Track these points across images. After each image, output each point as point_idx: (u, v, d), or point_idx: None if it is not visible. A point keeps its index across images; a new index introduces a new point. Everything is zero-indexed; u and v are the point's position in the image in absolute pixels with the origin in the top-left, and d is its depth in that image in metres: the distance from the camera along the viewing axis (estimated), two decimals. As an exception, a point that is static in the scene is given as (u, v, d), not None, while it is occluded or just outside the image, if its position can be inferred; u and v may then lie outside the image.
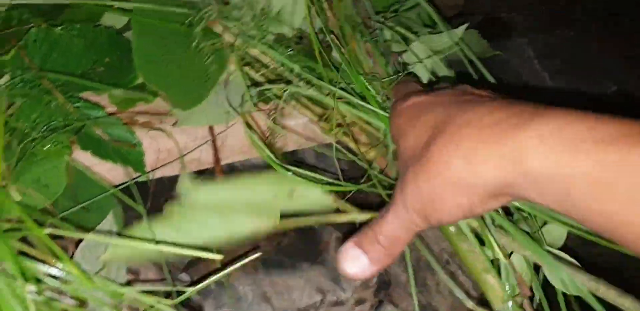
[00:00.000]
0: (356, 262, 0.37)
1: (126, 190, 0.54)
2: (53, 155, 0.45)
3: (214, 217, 0.43)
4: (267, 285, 0.57)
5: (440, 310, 0.67)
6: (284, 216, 0.45)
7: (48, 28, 0.53)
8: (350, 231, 0.69)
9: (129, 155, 0.51)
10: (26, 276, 0.36)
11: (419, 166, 0.35)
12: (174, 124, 0.56)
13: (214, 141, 0.59)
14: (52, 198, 0.44)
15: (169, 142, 0.58)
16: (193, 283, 0.53)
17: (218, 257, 0.37)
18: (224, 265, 0.45)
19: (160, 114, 0.61)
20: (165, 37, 0.55)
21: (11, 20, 0.52)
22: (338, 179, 0.50)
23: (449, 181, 0.33)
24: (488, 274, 0.43)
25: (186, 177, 0.45)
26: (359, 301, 0.62)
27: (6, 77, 0.47)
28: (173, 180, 0.61)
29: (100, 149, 0.49)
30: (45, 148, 0.44)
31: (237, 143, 0.63)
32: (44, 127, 0.45)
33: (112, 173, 0.54)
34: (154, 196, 0.56)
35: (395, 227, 0.36)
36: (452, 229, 0.45)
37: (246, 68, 0.60)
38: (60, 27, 0.54)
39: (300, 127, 0.66)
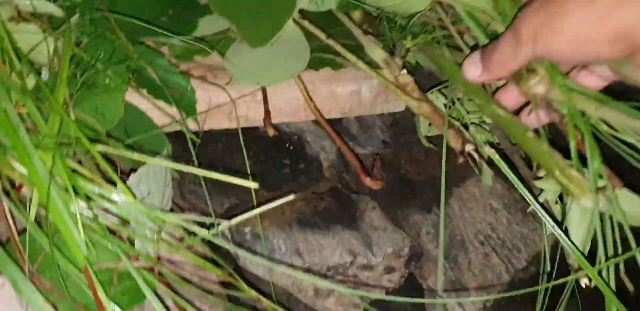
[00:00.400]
0: (473, 67, 0.46)
1: (175, 139, 0.56)
2: (112, 88, 0.47)
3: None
4: (301, 241, 0.58)
5: (468, 287, 0.66)
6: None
7: (119, -25, 0.56)
8: (386, 201, 0.70)
9: (182, 99, 0.53)
10: (78, 192, 0.39)
11: None
12: (228, 83, 0.58)
13: (265, 99, 0.61)
14: (107, 127, 0.47)
15: (220, 96, 0.60)
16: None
17: (254, 185, 0.38)
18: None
19: (215, 69, 0.63)
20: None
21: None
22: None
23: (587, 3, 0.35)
24: (571, 170, 0.43)
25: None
26: (389, 269, 0.62)
27: (76, 16, 0.50)
28: (219, 133, 0.63)
29: (156, 90, 0.51)
30: (105, 81, 0.46)
31: (284, 104, 0.64)
32: (107, 63, 0.48)
33: (162, 120, 0.57)
34: (201, 146, 0.57)
35: (506, 44, 0.41)
36: (529, 135, 0.46)
37: (306, 22, 0.62)
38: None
39: (347, 95, 0.66)
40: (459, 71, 0.54)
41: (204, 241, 0.44)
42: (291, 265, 0.56)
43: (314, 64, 0.65)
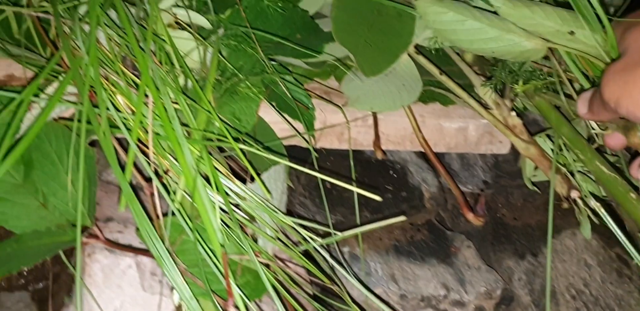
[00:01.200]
0: (582, 103, 0.49)
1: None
2: (249, 97, 0.50)
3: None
4: (396, 268, 0.58)
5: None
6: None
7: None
8: (480, 242, 0.69)
9: (303, 115, 0.55)
10: (218, 188, 0.40)
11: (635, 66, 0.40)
12: (344, 104, 0.60)
13: (375, 124, 0.62)
14: (242, 130, 0.49)
15: (334, 117, 0.62)
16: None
17: (378, 198, 0.39)
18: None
19: (330, 92, 0.65)
20: (361, 9, 0.60)
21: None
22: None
23: None
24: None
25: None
26: (479, 309, 0.60)
27: (222, 30, 0.54)
28: (328, 153, 0.65)
29: (283, 103, 0.54)
30: (244, 90, 0.49)
31: (392, 132, 0.65)
32: (247, 73, 0.51)
33: (281, 133, 0.59)
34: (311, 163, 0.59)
35: (597, 102, 0.45)
36: (632, 196, 0.47)
37: (420, 57, 0.64)
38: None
39: (454, 131, 0.67)
40: (565, 123, 0.55)
41: (312, 250, 0.45)
42: (387, 290, 0.55)
43: (424, 98, 0.67)
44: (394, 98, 0.62)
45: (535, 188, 0.65)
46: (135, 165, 0.44)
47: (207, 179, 0.40)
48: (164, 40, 0.47)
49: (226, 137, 0.42)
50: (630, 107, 0.40)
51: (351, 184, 0.59)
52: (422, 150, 0.66)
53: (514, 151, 0.70)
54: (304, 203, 0.58)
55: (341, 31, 0.61)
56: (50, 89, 0.45)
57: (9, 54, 0.53)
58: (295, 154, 0.56)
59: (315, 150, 0.64)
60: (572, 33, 0.51)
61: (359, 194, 0.44)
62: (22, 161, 0.47)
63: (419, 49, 0.66)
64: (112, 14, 0.51)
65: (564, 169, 0.56)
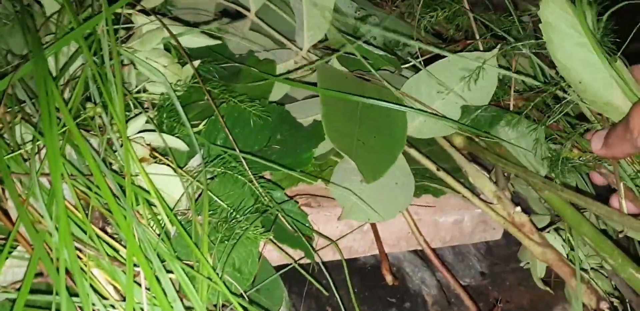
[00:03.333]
0: (597, 139, 0.50)
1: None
2: (249, 240, 0.43)
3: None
4: None
5: None
6: None
7: (235, 104, 0.53)
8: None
9: (302, 242, 0.48)
10: None
11: None
12: (339, 218, 0.54)
13: (375, 233, 0.57)
14: (244, 285, 0.42)
15: (327, 227, 0.56)
16: None
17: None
18: None
19: (317, 196, 0.59)
20: (348, 108, 0.55)
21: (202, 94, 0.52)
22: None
23: None
24: None
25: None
26: None
27: (198, 157, 0.46)
28: (328, 265, 0.59)
29: (281, 235, 0.47)
30: (243, 233, 0.42)
31: (388, 235, 0.60)
32: (243, 209, 0.44)
33: (271, 253, 0.52)
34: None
35: (620, 133, 0.46)
36: None
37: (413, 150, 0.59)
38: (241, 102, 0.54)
39: (450, 225, 0.63)
40: (584, 222, 0.52)
41: None
42: None
43: (416, 191, 0.62)
44: (390, 203, 0.57)
45: (548, 288, 0.61)
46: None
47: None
48: (145, 190, 0.39)
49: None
50: None
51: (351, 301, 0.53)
52: (418, 248, 0.61)
53: (505, 233, 0.67)
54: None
55: (333, 131, 0.55)
56: (9, 275, 0.36)
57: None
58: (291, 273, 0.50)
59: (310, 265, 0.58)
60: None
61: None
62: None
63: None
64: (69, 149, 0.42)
65: (587, 277, 0.53)
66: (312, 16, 0.66)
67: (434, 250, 0.59)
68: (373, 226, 0.57)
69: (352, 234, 0.58)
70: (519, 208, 0.57)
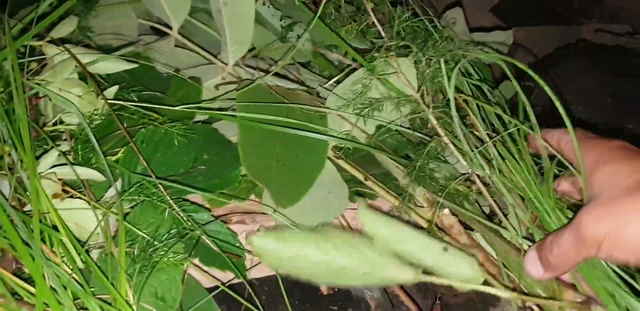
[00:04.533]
0: (534, 264, 0.43)
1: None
2: (170, 266, 0.43)
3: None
4: None
5: None
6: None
7: (155, 128, 0.53)
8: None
9: (233, 263, 0.49)
10: None
11: (620, 204, 0.38)
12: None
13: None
14: (168, 312, 0.42)
15: (262, 243, 0.56)
16: None
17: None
18: None
19: (252, 211, 0.59)
20: (265, 133, 0.55)
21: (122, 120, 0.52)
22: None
23: None
24: None
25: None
26: None
27: (119, 183, 0.47)
28: (261, 281, 0.59)
29: (208, 257, 0.48)
30: (159, 260, 0.42)
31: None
32: (161, 235, 0.44)
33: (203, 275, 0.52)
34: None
35: (566, 246, 0.40)
36: None
37: (341, 162, 0.60)
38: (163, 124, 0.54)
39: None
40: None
41: None
42: None
43: (351, 195, 0.63)
44: (325, 211, 0.58)
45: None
46: None
47: None
48: (56, 229, 0.39)
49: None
50: (614, 252, 0.38)
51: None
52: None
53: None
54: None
55: (249, 157, 0.55)
56: None
57: None
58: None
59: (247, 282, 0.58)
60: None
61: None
62: None
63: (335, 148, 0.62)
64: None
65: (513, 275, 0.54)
66: (234, 31, 0.67)
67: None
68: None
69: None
70: (447, 210, 0.58)
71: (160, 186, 0.46)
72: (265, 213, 0.58)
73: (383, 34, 0.61)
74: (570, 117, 0.47)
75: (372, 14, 0.64)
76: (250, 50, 0.73)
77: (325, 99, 0.64)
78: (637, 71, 1.11)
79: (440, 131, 0.54)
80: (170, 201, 0.46)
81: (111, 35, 0.73)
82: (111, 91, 0.55)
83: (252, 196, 0.60)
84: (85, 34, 0.67)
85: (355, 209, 0.62)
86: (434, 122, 0.54)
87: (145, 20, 0.74)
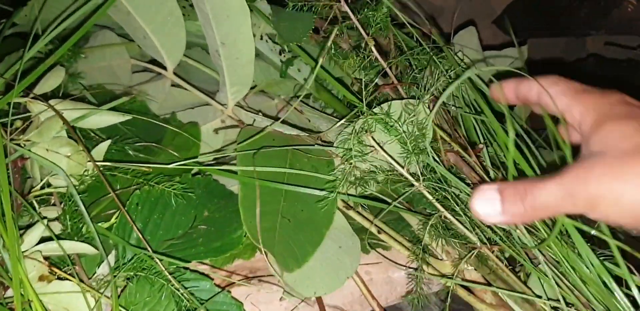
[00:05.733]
0: (489, 205, 0.37)
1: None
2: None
3: None
4: None
5: None
6: None
7: (150, 189, 0.49)
8: None
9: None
10: None
11: (625, 164, 0.34)
12: (280, 299, 0.50)
13: (320, 305, 0.53)
14: None
15: (271, 307, 0.52)
16: None
17: None
18: None
19: (258, 270, 0.55)
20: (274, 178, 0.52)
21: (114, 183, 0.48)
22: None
23: None
24: None
25: None
26: None
27: (112, 255, 0.43)
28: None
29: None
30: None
31: (340, 302, 0.57)
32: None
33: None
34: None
35: (550, 197, 0.35)
36: None
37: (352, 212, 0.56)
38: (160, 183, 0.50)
39: (404, 279, 0.60)
40: None
41: None
42: None
43: (364, 248, 0.58)
44: (336, 270, 0.54)
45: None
46: None
47: None
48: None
49: None
50: (609, 214, 0.35)
51: None
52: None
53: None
54: None
55: (251, 220, 0.51)
56: None
57: None
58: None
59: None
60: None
61: None
62: None
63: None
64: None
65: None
66: (233, 72, 0.63)
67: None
68: (318, 299, 0.54)
69: (298, 308, 0.54)
70: (470, 266, 0.54)
71: (157, 260, 0.42)
72: (271, 275, 0.54)
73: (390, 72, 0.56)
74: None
75: (374, 50, 0.60)
76: (252, 88, 0.70)
77: (332, 142, 0.60)
78: (650, 85, 1.07)
79: (438, 206, 0.50)
80: (168, 276, 0.41)
81: (105, 76, 0.70)
82: (102, 148, 0.51)
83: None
84: (76, 81, 0.63)
85: (369, 264, 0.58)
86: (429, 197, 0.50)
87: (138, 60, 0.70)
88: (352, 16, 0.59)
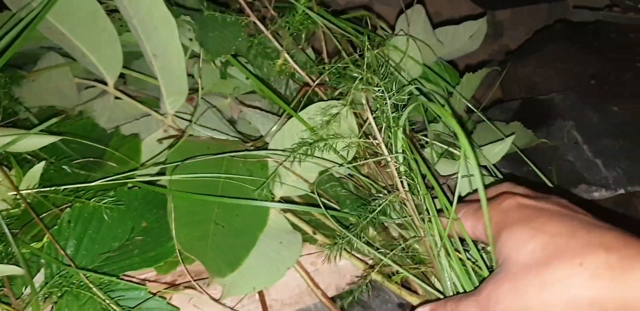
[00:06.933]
0: None
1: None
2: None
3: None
4: None
5: None
6: None
7: (82, 205, 0.51)
8: None
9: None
10: None
11: (525, 277, 0.36)
12: (219, 298, 0.52)
13: (263, 303, 0.55)
14: None
15: (217, 306, 0.54)
16: None
17: None
18: None
19: (203, 273, 0.57)
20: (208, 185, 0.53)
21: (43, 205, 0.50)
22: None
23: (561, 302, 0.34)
24: None
25: None
26: None
27: (41, 274, 0.45)
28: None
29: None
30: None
31: (286, 296, 0.59)
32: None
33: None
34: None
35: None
36: None
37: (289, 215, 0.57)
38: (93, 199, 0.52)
39: (351, 266, 0.61)
40: None
41: None
42: None
43: (311, 239, 0.60)
44: (276, 264, 0.55)
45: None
46: None
47: None
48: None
49: None
50: None
51: None
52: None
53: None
54: None
55: (182, 230, 0.52)
56: None
57: None
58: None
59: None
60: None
61: None
62: None
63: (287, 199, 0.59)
64: None
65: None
66: (168, 82, 0.64)
67: (331, 301, 0.57)
68: (260, 292, 0.55)
69: (244, 307, 0.56)
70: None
71: (82, 275, 0.44)
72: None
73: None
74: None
75: (290, 60, 0.61)
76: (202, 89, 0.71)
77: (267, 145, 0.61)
78: (615, 47, 1.05)
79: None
80: (94, 289, 0.44)
81: (54, 98, 0.72)
82: (36, 170, 0.53)
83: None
84: (18, 106, 0.65)
85: (312, 253, 0.59)
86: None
87: (84, 79, 0.72)
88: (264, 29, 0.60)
